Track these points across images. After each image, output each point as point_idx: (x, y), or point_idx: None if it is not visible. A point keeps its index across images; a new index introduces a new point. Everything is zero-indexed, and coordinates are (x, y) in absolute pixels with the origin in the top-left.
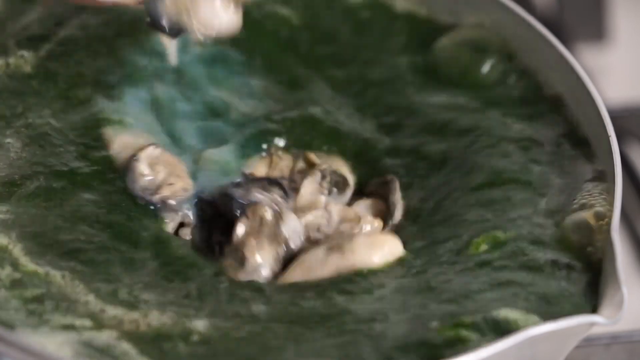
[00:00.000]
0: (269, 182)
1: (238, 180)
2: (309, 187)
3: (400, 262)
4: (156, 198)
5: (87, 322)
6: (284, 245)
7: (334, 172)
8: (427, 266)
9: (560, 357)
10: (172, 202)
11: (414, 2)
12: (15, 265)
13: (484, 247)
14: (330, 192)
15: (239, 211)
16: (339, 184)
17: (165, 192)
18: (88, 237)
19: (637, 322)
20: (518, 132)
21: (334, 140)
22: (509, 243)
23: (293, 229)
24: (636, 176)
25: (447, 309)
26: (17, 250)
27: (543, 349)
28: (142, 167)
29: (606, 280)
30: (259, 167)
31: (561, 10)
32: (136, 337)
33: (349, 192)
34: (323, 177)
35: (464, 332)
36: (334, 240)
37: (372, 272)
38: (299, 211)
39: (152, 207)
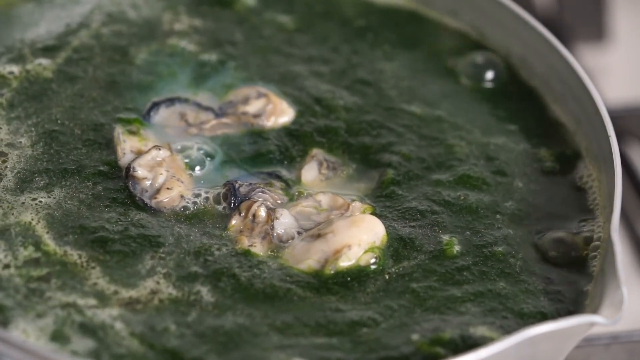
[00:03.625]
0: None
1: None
2: (309, 175)
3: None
4: (153, 202)
5: (92, 301)
6: (277, 241)
7: (328, 158)
8: (410, 268)
9: (560, 357)
10: (165, 208)
11: (414, 1)
12: (37, 244)
13: (456, 248)
14: (328, 177)
15: (232, 205)
16: (336, 169)
17: (162, 197)
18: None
19: (637, 322)
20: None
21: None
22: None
23: (286, 225)
24: (636, 176)
25: (430, 321)
26: (40, 227)
27: (543, 349)
28: (140, 173)
29: (606, 280)
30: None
31: (561, 10)
32: (135, 317)
33: (342, 173)
34: (320, 163)
35: (440, 350)
36: (321, 227)
37: (362, 271)
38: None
39: (150, 208)
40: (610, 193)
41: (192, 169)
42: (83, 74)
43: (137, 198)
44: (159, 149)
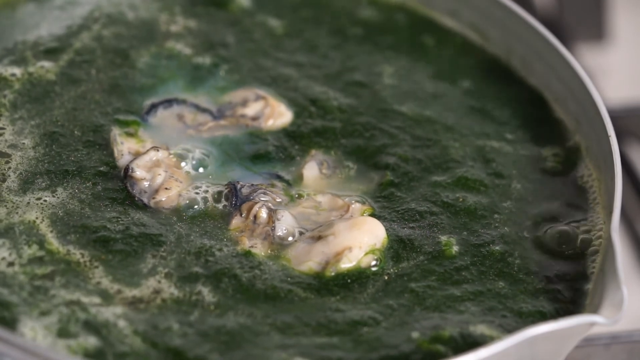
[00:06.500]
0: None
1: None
2: (310, 174)
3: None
4: (152, 202)
5: (96, 299)
6: (278, 242)
7: (328, 158)
8: (409, 269)
9: (560, 357)
10: (164, 209)
11: (413, 1)
12: (41, 243)
13: (455, 248)
14: (328, 176)
15: (234, 206)
16: (336, 169)
17: (160, 196)
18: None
19: (637, 322)
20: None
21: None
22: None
23: (287, 226)
24: (636, 176)
25: (429, 320)
26: (44, 226)
27: (543, 349)
28: (139, 173)
29: (606, 280)
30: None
31: (561, 10)
32: (138, 315)
33: (341, 173)
34: (320, 163)
35: (441, 348)
36: (321, 229)
37: (363, 273)
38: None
39: (149, 208)
40: (610, 193)
41: (192, 169)
42: (86, 76)
43: (136, 198)
44: (157, 150)
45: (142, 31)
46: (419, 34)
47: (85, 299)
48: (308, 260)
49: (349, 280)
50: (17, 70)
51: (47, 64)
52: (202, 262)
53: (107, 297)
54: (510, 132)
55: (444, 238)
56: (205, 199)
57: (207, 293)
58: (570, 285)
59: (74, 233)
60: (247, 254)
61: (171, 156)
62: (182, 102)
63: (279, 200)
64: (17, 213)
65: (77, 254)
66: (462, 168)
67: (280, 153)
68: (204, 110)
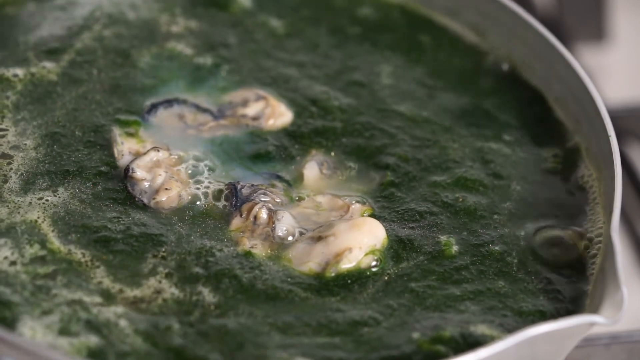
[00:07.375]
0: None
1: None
2: (310, 174)
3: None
4: (152, 203)
5: (98, 299)
6: (278, 242)
7: (329, 158)
8: (409, 269)
9: (560, 357)
10: (164, 209)
11: (412, 0)
12: (43, 242)
13: (455, 248)
14: (329, 176)
15: (234, 206)
16: (336, 169)
17: (161, 197)
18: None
19: (637, 322)
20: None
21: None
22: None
23: (287, 227)
24: (636, 176)
25: (430, 320)
26: (46, 226)
27: (543, 349)
28: (139, 174)
29: (606, 280)
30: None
31: (561, 10)
32: (139, 315)
33: (341, 173)
34: (321, 163)
35: (442, 348)
36: (321, 230)
37: (363, 273)
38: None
39: (149, 209)
40: (610, 193)
41: (192, 169)
42: (87, 76)
43: (136, 198)
44: (158, 151)
45: (143, 31)
46: (417, 33)
47: (86, 299)
48: (308, 260)
49: (349, 281)
50: (20, 71)
51: (48, 64)
52: (203, 262)
53: (108, 297)
54: (510, 133)
55: (443, 238)
56: (205, 194)
57: (207, 293)
58: (570, 285)
59: (75, 233)
60: (248, 254)
61: (171, 156)
62: (183, 102)
63: (278, 200)
64: (19, 213)
65: (78, 253)
66: (461, 168)
67: (280, 153)
68: (204, 110)
